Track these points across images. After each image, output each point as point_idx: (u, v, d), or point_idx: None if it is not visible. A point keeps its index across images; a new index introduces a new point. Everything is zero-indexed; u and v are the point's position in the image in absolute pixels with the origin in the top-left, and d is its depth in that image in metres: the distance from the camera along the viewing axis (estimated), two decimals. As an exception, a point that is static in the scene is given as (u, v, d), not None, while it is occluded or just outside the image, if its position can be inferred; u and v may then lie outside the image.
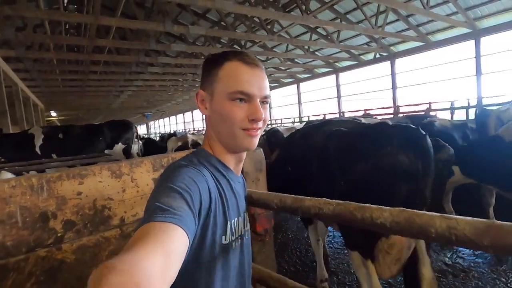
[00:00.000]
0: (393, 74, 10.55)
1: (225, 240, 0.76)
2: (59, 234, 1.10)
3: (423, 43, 9.25)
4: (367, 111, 8.67)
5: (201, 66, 0.87)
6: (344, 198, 0.89)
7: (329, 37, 9.51)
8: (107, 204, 1.20)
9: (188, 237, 0.55)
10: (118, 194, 1.23)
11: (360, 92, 12.37)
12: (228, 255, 0.79)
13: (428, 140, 1.65)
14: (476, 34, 8.12)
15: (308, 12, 6.74)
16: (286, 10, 8.38)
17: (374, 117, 6.05)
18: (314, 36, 9.71)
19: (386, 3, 6.36)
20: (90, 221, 1.17)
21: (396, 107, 9.48)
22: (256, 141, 0.80)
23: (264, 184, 1.57)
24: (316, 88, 14.82)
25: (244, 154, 0.88)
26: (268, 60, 11.21)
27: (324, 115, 10.83)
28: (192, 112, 30.96)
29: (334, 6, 8.30)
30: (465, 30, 8.19)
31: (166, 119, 39.65)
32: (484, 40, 8.14)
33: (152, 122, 42.51)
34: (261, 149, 1.58)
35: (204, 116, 0.85)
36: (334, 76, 13.18)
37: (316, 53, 11.56)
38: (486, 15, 7.73)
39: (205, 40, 9.98)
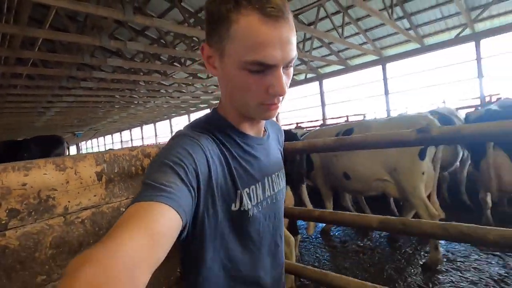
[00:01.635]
0: (321, 93, 11.90)
1: (235, 207, 0.67)
2: (3, 222, 1.20)
3: (344, 67, 10.71)
4: (299, 124, 9.65)
5: (204, 15, 0.69)
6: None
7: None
8: (51, 194, 1.32)
9: (180, 215, 0.49)
10: (62, 185, 1.36)
11: (294, 109, 13.57)
12: (244, 223, 0.70)
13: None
14: (382, 61, 9.78)
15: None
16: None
17: (305, 129, 6.81)
18: (251, 57, 10.39)
19: (309, 32, 7.32)
20: (35, 209, 1.28)
21: (324, 121, 10.80)
22: (276, 112, 0.68)
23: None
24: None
25: None
26: (209, 78, 11.56)
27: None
28: (130, 131, 29.33)
29: (268, 31, 9.12)
30: (374, 57, 9.80)
31: (101, 138, 36.69)
32: (389, 66, 9.85)
33: (84, 142, 38.81)
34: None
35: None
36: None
37: (254, 72, 12.30)
38: (389, 45, 9.41)
39: (144, 57, 9.90)
